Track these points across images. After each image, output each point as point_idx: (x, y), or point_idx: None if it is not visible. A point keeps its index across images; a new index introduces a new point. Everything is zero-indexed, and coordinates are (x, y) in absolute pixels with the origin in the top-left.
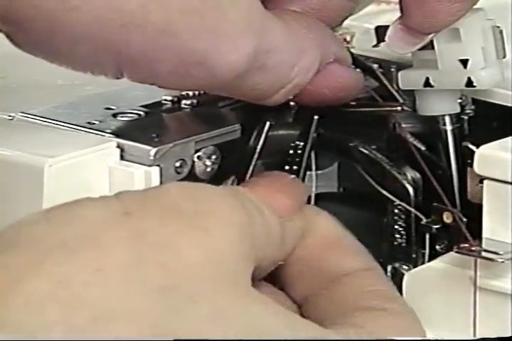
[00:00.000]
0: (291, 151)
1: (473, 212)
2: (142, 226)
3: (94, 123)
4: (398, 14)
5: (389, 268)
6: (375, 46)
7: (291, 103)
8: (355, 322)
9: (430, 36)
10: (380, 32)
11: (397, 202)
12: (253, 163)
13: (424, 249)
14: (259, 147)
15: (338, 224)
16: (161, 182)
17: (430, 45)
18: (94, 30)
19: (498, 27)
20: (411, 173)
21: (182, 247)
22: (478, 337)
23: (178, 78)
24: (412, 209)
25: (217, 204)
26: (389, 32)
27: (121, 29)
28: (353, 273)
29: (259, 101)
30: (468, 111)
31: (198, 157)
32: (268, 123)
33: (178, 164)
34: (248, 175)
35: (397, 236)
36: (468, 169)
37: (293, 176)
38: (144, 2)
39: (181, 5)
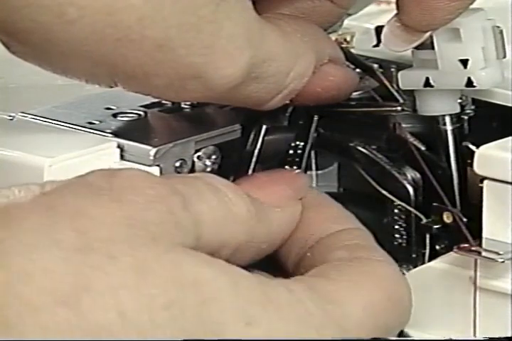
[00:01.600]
0: (290, 151)
1: (473, 212)
2: (56, 201)
3: (94, 123)
4: None
5: None
6: (375, 46)
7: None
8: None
9: (427, 34)
10: (380, 32)
11: (397, 202)
12: (252, 165)
13: (424, 248)
14: (256, 150)
15: (322, 193)
16: None
17: (430, 45)
18: (90, 44)
19: (498, 27)
20: (411, 173)
21: (95, 215)
22: (478, 337)
23: (174, 91)
24: (412, 209)
25: (135, 182)
26: (385, 30)
27: (117, 43)
28: (334, 233)
29: (256, 107)
30: (468, 111)
31: (198, 157)
32: (264, 127)
33: (178, 164)
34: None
35: (397, 236)
36: (468, 169)
37: (296, 171)
38: (140, 17)
39: (178, 20)
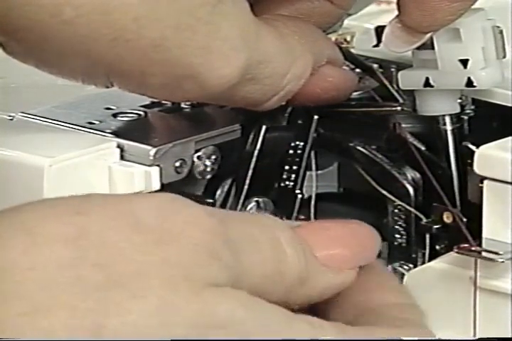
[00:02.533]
0: (290, 151)
1: (473, 212)
2: (86, 228)
3: (94, 123)
4: None
5: (389, 268)
6: (375, 46)
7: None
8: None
9: (428, 35)
10: (380, 32)
11: (397, 202)
12: (252, 165)
13: (424, 249)
14: (256, 150)
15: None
16: (161, 182)
17: (430, 45)
18: (86, 43)
19: (498, 27)
20: (411, 173)
21: (128, 252)
22: (478, 337)
23: (170, 91)
24: (412, 209)
25: (190, 225)
26: (386, 30)
27: (112, 43)
28: (386, 306)
29: (252, 108)
30: (468, 111)
31: (198, 157)
32: (264, 127)
33: (178, 164)
34: (248, 178)
35: (397, 236)
36: (468, 169)
37: (371, 229)
38: (136, 17)
39: (174, 21)
